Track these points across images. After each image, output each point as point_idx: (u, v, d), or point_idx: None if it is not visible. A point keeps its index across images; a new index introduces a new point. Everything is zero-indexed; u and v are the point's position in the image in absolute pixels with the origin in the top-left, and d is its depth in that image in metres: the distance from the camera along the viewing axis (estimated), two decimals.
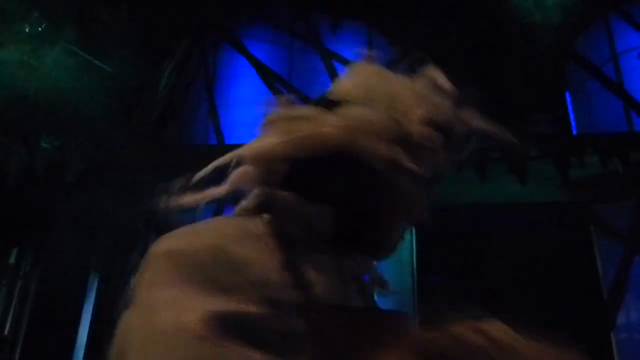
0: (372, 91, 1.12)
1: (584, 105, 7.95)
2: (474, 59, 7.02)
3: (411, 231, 6.04)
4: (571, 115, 7.91)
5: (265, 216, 1.01)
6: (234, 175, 1.09)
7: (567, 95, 8.05)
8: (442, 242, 6.33)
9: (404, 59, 1.28)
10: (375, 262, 1.27)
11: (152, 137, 7.55)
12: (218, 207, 2.14)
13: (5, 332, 6.99)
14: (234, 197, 1.11)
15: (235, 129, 7.99)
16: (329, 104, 1.09)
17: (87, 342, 6.75)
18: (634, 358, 6.46)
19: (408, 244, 6.92)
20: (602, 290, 6.71)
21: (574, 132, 7.75)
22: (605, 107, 7.71)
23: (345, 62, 7.83)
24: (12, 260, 7.42)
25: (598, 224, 6.99)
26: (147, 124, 7.49)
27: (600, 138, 7.01)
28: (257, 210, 1.04)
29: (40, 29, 6.47)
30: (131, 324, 0.83)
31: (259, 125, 1.12)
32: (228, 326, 0.82)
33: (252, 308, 0.85)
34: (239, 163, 1.09)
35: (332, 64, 8.00)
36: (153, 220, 7.45)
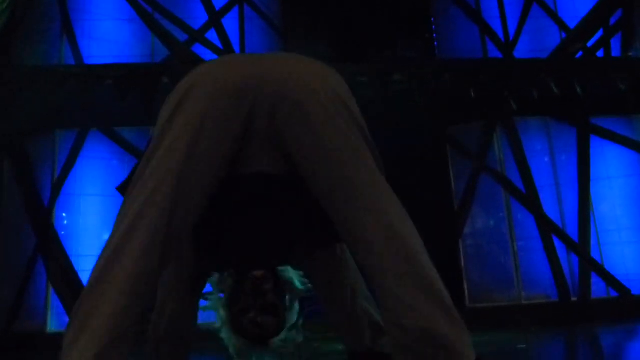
0: None
1: (446, 31, 8.36)
2: None
3: None
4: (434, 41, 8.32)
5: None
6: None
7: (432, 20, 8.41)
8: None
9: None
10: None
11: None
12: None
13: None
14: None
15: (95, 47, 7.34)
16: None
17: None
18: (476, 261, 7.37)
19: None
20: (454, 203, 7.46)
21: (437, 57, 8.20)
22: (464, 34, 8.20)
23: None
24: None
25: (453, 144, 7.63)
26: None
27: (456, 63, 7.50)
28: None
29: None
30: None
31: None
32: None
33: None
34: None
35: None
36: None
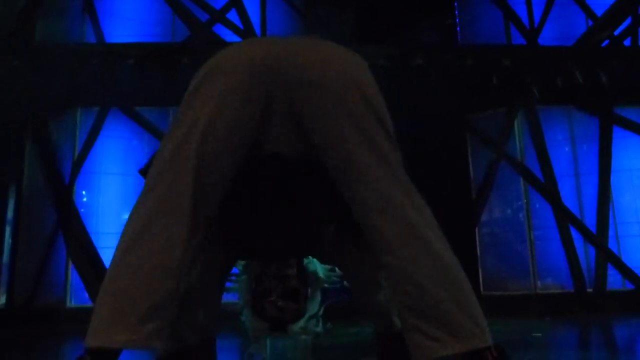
0: None
1: (469, 16, 8.23)
2: None
3: None
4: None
5: None
6: None
7: (455, 5, 8.29)
8: None
9: None
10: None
11: (16, 33, 6.76)
12: None
13: None
14: None
15: (116, 26, 7.38)
16: None
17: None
18: (492, 249, 7.35)
19: None
20: (472, 191, 7.41)
21: (459, 42, 8.09)
22: (488, 19, 8.07)
23: None
24: None
25: (473, 131, 7.56)
26: (8, 17, 6.68)
27: (479, 48, 7.40)
28: None
29: None
30: None
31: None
32: None
33: None
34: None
35: None
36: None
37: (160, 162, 1.33)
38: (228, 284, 1.57)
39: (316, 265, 1.52)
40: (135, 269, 1.26)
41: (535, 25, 7.67)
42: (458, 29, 8.16)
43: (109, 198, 7.07)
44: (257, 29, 7.45)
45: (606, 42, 7.47)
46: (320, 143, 1.33)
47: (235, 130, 1.31)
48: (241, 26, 7.37)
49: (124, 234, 1.33)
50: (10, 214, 6.65)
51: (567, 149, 7.46)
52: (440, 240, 1.34)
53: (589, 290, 6.79)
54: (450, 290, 1.29)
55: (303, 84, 1.30)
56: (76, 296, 6.74)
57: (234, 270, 1.57)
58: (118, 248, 1.32)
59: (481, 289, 7.07)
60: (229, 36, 7.20)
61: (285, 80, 1.31)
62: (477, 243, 7.28)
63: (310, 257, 1.53)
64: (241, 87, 1.31)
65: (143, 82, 6.53)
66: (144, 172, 1.45)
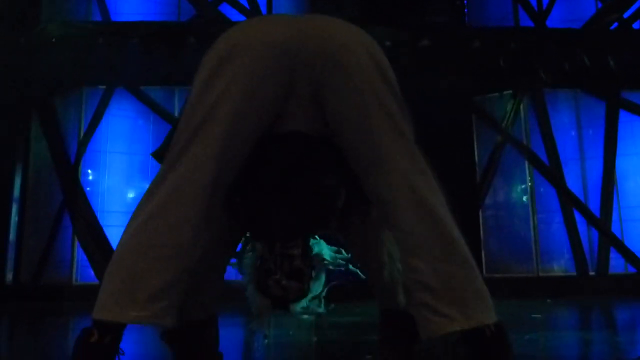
0: None
1: None
2: None
3: None
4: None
5: None
6: None
7: None
8: None
9: None
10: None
11: (21, 14, 6.75)
12: None
13: None
14: None
15: (121, 4, 7.34)
16: None
17: None
18: (496, 231, 7.37)
19: None
20: (476, 173, 7.41)
21: (467, 24, 8.01)
22: (495, 1, 7.98)
23: None
24: None
25: (479, 113, 7.53)
26: None
27: (487, 31, 7.34)
28: None
29: None
30: None
31: None
32: None
33: None
34: None
35: None
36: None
37: (181, 142, 1.34)
38: (233, 260, 1.60)
39: (322, 246, 1.54)
40: (148, 247, 1.28)
41: (544, 7, 7.59)
42: (466, 10, 8.07)
43: (115, 177, 7.11)
44: (263, 9, 7.39)
45: (615, 25, 7.39)
46: (342, 122, 1.35)
47: (263, 111, 1.34)
48: (247, 5, 7.32)
49: (138, 210, 1.35)
50: (16, 192, 6.71)
51: (573, 133, 7.43)
52: (450, 218, 1.37)
53: (591, 273, 6.82)
54: (459, 268, 1.32)
55: (327, 61, 1.32)
56: (82, 274, 6.82)
57: (239, 247, 1.59)
58: (131, 223, 1.34)
59: (484, 271, 7.10)
60: (234, 15, 7.15)
61: (309, 56, 1.32)
62: (481, 225, 7.30)
63: (317, 237, 1.55)
64: (265, 69, 1.32)
65: (149, 61, 6.52)
66: (157, 154, 1.45)
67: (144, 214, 1.32)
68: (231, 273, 1.64)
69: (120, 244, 1.34)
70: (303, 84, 1.35)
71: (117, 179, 7.11)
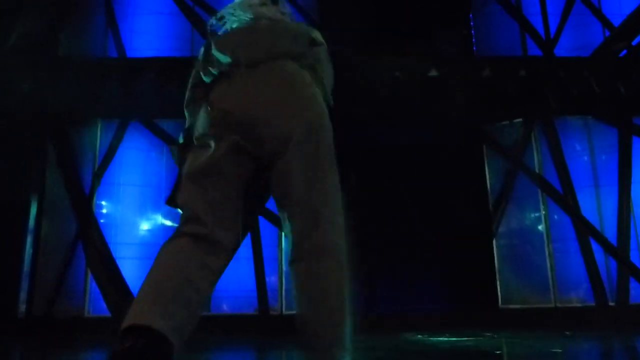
0: None
1: (485, 28, 8.23)
2: None
3: None
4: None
5: None
6: None
7: (470, 16, 8.29)
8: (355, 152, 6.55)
9: None
10: None
11: (42, 46, 6.93)
12: None
13: None
14: None
15: (137, 41, 7.51)
16: None
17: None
18: (510, 261, 7.27)
19: None
20: (489, 202, 7.36)
21: (475, 53, 8.08)
22: (503, 30, 8.06)
23: None
24: None
25: (489, 141, 7.52)
26: (36, 32, 6.85)
27: (496, 59, 7.39)
28: None
29: None
30: None
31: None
32: None
33: None
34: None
35: None
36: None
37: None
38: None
39: None
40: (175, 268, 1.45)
41: (552, 35, 7.64)
42: (474, 40, 8.16)
43: (128, 209, 7.16)
44: None
45: (624, 52, 7.41)
46: (277, 177, 1.56)
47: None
48: None
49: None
50: (31, 223, 6.77)
51: (585, 159, 7.39)
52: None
53: (611, 304, 6.68)
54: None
55: (269, 137, 1.53)
56: (94, 306, 6.81)
57: None
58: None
59: (499, 302, 6.99)
60: None
61: (252, 131, 1.54)
62: (495, 255, 7.21)
63: None
64: (224, 131, 1.56)
65: (162, 95, 6.63)
66: (171, 201, 1.62)
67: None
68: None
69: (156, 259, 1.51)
70: (251, 147, 1.57)
71: (130, 211, 7.16)
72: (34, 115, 6.69)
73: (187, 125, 1.81)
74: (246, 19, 1.81)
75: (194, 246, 1.46)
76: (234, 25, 1.81)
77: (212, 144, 1.56)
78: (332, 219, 1.52)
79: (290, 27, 1.80)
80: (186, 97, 1.87)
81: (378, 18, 7.26)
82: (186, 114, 1.85)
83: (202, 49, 1.84)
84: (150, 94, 6.71)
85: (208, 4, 7.48)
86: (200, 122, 1.65)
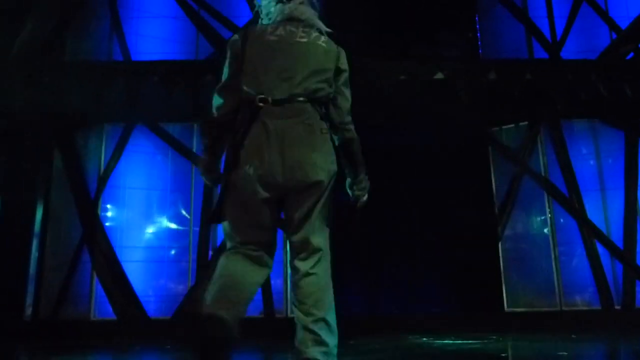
0: None
1: (491, 30, 8.22)
2: None
3: None
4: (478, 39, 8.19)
5: None
6: None
7: (476, 19, 8.28)
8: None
9: None
10: None
11: (47, 51, 6.97)
12: None
13: None
14: None
15: (142, 44, 7.55)
16: None
17: None
18: (516, 264, 7.24)
19: None
20: (494, 205, 7.34)
21: (481, 56, 8.06)
22: (509, 33, 8.04)
23: None
24: None
25: (495, 145, 7.51)
26: (41, 36, 6.90)
27: (502, 62, 7.37)
28: None
29: None
30: None
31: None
32: None
33: None
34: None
35: None
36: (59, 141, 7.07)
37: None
38: None
39: None
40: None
41: (558, 38, 7.62)
42: (479, 43, 8.14)
43: (133, 212, 7.17)
44: None
45: (631, 54, 7.38)
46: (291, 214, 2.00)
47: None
48: None
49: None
50: (37, 227, 6.80)
51: (591, 163, 7.36)
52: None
53: (617, 307, 6.64)
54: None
55: (290, 192, 1.96)
56: (100, 309, 6.82)
57: None
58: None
59: (505, 305, 6.96)
60: None
61: (278, 189, 1.94)
62: (501, 258, 7.18)
63: None
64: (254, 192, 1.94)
65: (168, 99, 6.66)
66: (213, 219, 1.97)
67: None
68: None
69: (220, 263, 2.03)
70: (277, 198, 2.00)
71: (136, 214, 7.17)
72: (39, 119, 6.73)
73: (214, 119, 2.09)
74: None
75: (249, 262, 1.96)
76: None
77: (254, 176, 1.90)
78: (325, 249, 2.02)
79: (321, 50, 2.09)
80: (222, 83, 2.15)
81: (382, 20, 7.27)
82: (218, 97, 2.13)
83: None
84: (156, 98, 6.73)
85: (213, 7, 7.51)
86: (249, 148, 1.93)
